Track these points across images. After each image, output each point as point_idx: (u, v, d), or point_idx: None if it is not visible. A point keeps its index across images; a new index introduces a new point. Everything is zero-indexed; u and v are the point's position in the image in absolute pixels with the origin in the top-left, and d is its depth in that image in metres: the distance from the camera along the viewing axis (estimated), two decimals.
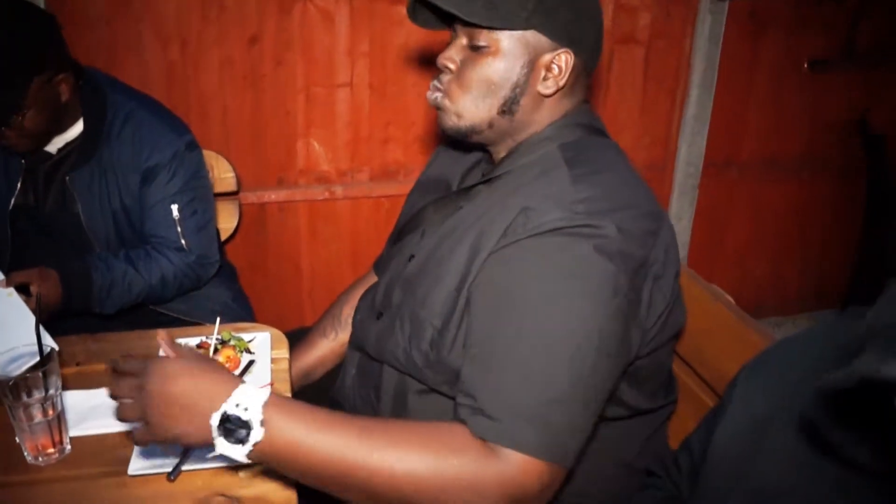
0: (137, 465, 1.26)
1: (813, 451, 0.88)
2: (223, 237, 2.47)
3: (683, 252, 3.32)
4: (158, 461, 1.27)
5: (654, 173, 3.17)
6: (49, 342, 1.42)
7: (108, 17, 2.40)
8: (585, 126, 1.39)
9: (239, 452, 1.03)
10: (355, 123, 2.73)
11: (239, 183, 2.48)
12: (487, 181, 1.40)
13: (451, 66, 1.35)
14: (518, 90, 1.32)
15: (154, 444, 1.12)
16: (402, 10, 2.56)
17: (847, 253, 3.52)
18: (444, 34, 1.41)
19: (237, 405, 1.02)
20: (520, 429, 1.08)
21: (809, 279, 3.60)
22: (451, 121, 1.38)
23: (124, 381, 1.07)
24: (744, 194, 3.36)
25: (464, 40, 1.34)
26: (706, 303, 1.66)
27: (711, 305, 1.64)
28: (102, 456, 1.31)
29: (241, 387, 1.05)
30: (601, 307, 1.15)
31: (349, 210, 2.86)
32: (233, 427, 1.02)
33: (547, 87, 1.32)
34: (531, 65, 1.31)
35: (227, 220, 2.48)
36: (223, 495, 1.23)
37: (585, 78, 1.39)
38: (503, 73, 1.31)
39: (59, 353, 1.43)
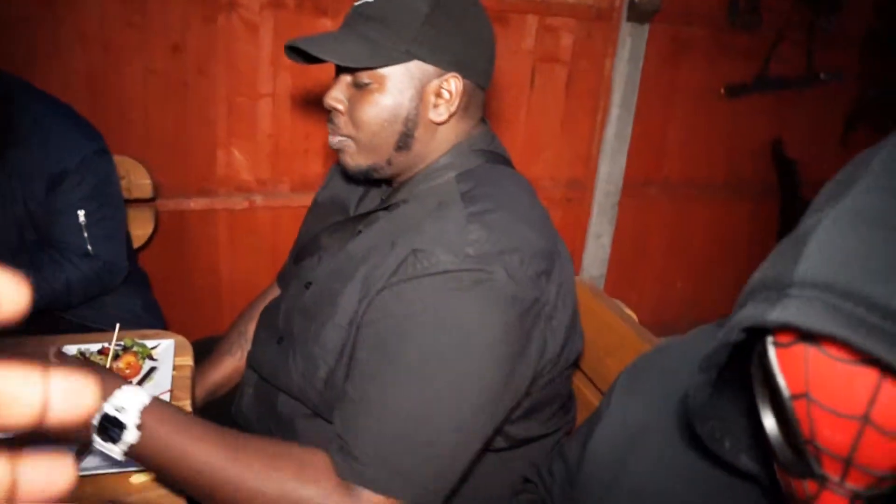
0: None
1: (690, 456, 0.90)
2: (138, 244, 2.45)
3: (602, 269, 3.38)
4: None
5: (574, 191, 3.24)
6: None
7: (27, 18, 2.36)
8: (484, 151, 1.38)
9: (114, 451, 1.07)
10: (276, 134, 2.74)
11: (155, 190, 2.46)
12: (386, 208, 1.38)
13: (339, 106, 1.32)
14: (410, 123, 1.30)
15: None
16: (327, 22, 2.61)
17: None
18: None
19: (115, 407, 1.07)
20: (385, 477, 1.10)
21: (727, 298, 3.68)
22: (352, 161, 1.36)
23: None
24: (663, 214, 3.45)
25: (347, 78, 1.31)
26: (608, 319, 1.70)
27: (612, 321, 1.68)
28: None
29: (125, 389, 1.10)
30: (487, 364, 1.15)
31: (269, 220, 2.86)
32: (109, 426, 1.06)
33: (439, 115, 1.31)
34: (419, 95, 1.29)
35: (142, 226, 2.46)
36: (113, 502, 1.22)
37: (480, 96, 1.37)
38: (392, 109, 1.29)
39: None
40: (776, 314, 0.59)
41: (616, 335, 1.66)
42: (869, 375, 0.57)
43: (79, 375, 0.37)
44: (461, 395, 1.14)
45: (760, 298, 0.63)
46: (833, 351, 0.59)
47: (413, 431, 1.12)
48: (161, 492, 1.24)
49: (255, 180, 2.78)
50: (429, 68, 1.28)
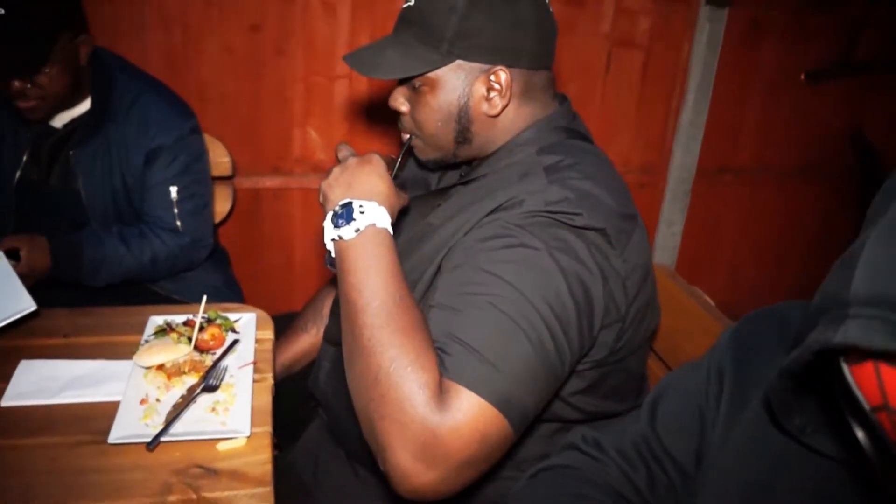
0: (118, 434, 1.29)
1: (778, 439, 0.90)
2: (217, 221, 2.50)
3: (673, 257, 3.34)
4: (138, 431, 1.30)
5: (647, 177, 3.20)
6: (29, 304, 1.52)
7: None
8: (565, 129, 1.39)
9: (328, 234, 1.22)
10: (353, 115, 2.75)
11: (234, 168, 2.51)
12: (466, 182, 1.41)
13: (402, 108, 1.40)
14: (464, 120, 1.35)
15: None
16: (403, 2, 2.61)
17: None
18: None
19: (360, 206, 1.20)
20: (468, 364, 1.08)
21: (801, 288, 3.62)
22: (422, 155, 1.46)
23: (346, 151, 1.33)
24: (737, 201, 3.38)
25: (404, 82, 1.38)
26: (685, 303, 1.69)
27: (690, 306, 1.67)
28: (84, 424, 1.34)
29: (383, 202, 1.23)
30: (560, 282, 1.15)
31: None
32: (343, 214, 1.20)
33: (493, 108, 1.33)
34: (468, 92, 1.32)
35: (221, 203, 2.51)
36: (200, 467, 1.26)
37: (541, 78, 1.38)
38: (444, 109, 1.34)
39: (48, 323, 1.48)
40: (839, 337, 0.60)
41: (694, 320, 1.65)
42: None
43: None
44: (545, 300, 1.13)
45: (825, 321, 0.65)
46: None
47: (499, 326, 1.11)
48: (248, 459, 1.28)
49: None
50: (473, 65, 1.31)
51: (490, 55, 1.29)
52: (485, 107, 1.33)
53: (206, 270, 2.24)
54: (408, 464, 1.04)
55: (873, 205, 0.71)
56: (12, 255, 1.71)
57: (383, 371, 1.07)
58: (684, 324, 1.67)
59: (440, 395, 1.05)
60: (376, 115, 2.77)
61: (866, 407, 0.62)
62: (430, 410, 1.04)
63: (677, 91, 3.07)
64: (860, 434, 0.68)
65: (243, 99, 2.65)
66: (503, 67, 1.30)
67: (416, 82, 1.33)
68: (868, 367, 0.62)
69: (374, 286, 1.14)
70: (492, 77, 1.31)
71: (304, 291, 2.91)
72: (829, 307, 0.65)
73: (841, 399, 0.69)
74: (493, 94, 1.32)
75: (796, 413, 0.81)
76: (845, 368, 0.64)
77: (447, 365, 1.08)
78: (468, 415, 1.04)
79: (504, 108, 1.34)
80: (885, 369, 0.60)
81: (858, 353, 0.62)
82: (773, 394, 0.78)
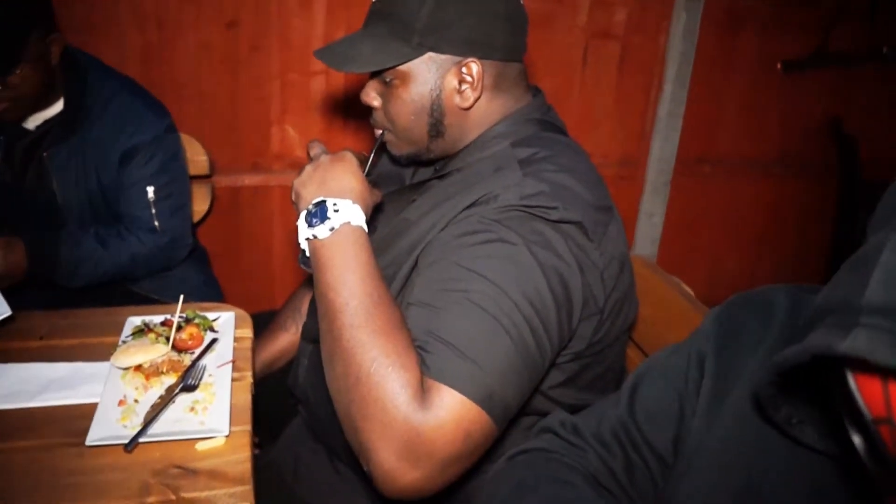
0: (95, 435, 1.28)
1: (765, 430, 0.90)
2: (195, 220, 2.48)
3: (654, 248, 3.35)
4: (117, 432, 1.29)
5: (627, 169, 3.21)
6: (4, 309, 1.50)
7: None
8: (539, 121, 1.40)
9: (302, 233, 1.22)
10: (330, 111, 2.75)
11: (212, 166, 2.49)
12: (440, 176, 1.41)
13: (374, 103, 1.40)
14: (437, 113, 1.34)
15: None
16: None
17: (820, 251, 3.57)
18: None
19: (334, 204, 1.19)
20: (449, 361, 1.08)
21: (782, 277, 3.64)
22: (396, 151, 1.45)
23: (318, 149, 1.33)
24: (716, 192, 3.40)
25: (376, 76, 1.38)
26: (665, 294, 1.69)
27: (670, 297, 1.68)
28: (61, 426, 1.32)
29: (357, 199, 1.22)
30: (539, 277, 1.15)
31: None
32: (316, 213, 1.19)
33: (465, 100, 1.33)
34: (440, 85, 1.32)
35: (199, 202, 2.50)
36: (179, 467, 1.25)
37: (514, 70, 1.38)
38: (417, 102, 1.33)
39: (24, 326, 1.46)
40: (847, 344, 0.59)
41: (674, 310, 1.65)
42: None
43: None
44: (514, 296, 1.13)
45: (831, 323, 0.63)
46: None
47: (479, 323, 1.11)
48: (227, 458, 1.27)
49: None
50: (445, 57, 1.30)
51: (461, 47, 1.29)
52: (457, 99, 1.33)
53: (185, 270, 2.23)
54: (392, 463, 1.04)
55: (884, 203, 0.69)
56: None
57: (364, 371, 1.07)
58: (664, 314, 1.67)
59: (422, 393, 1.05)
60: (354, 111, 2.76)
61: (868, 417, 0.62)
62: (412, 409, 1.04)
63: (655, 82, 3.08)
64: (857, 439, 0.68)
65: (220, 96, 2.63)
66: (475, 59, 1.30)
67: (388, 76, 1.33)
68: (874, 379, 0.61)
69: (351, 285, 1.14)
70: (463, 69, 1.31)
71: (285, 289, 2.91)
72: (836, 310, 0.63)
73: (840, 403, 0.68)
74: (464, 86, 1.32)
75: (782, 404, 0.81)
76: (849, 376, 0.63)
77: (428, 363, 1.08)
78: (451, 412, 1.05)
79: (476, 100, 1.34)
80: (894, 385, 0.59)
81: (865, 363, 0.60)
82: (761, 385, 0.78)
